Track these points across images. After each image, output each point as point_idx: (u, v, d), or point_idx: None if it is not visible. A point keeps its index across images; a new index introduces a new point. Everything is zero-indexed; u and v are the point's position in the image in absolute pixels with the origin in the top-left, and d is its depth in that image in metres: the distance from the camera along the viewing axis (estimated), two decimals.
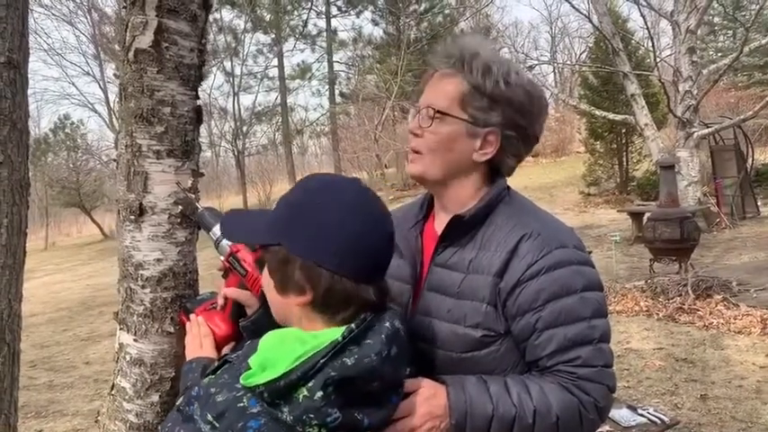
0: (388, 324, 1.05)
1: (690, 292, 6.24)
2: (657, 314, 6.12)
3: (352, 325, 1.00)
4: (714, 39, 26.24)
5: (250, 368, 0.97)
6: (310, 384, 0.93)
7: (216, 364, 1.10)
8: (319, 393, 0.92)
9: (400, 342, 1.06)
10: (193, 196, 1.46)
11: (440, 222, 1.34)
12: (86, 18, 28.75)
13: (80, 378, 6.34)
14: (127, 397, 1.47)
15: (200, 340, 1.34)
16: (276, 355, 0.97)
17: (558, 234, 1.24)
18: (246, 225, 1.15)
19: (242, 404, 0.95)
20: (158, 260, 1.44)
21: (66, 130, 28.09)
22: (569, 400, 1.17)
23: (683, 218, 7.10)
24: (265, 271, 1.12)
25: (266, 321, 1.20)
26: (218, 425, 0.94)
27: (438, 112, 1.26)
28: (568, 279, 1.19)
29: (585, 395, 1.18)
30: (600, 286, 1.25)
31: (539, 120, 1.30)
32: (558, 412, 1.16)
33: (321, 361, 0.94)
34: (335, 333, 0.98)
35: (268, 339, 1.02)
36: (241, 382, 0.96)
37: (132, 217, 1.43)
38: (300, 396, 0.93)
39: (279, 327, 1.13)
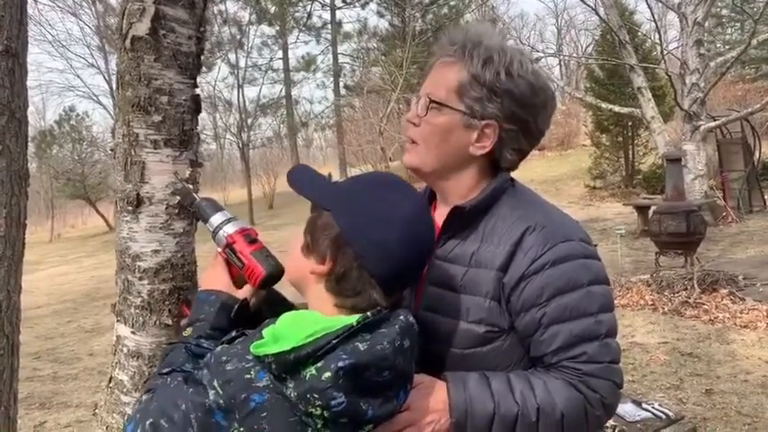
0: (402, 317, 1.05)
1: (695, 286, 6.21)
2: (663, 308, 6.09)
3: (368, 313, 1.00)
4: (722, 31, 26.08)
5: (263, 338, 0.97)
6: (319, 364, 0.92)
7: (232, 334, 1.08)
8: (327, 374, 0.91)
9: (413, 336, 1.05)
10: (191, 186, 1.44)
11: (441, 215, 1.31)
12: (91, 9, 28.84)
13: (84, 370, 6.36)
14: (125, 390, 1.46)
15: (222, 273, 1.30)
16: (290, 330, 0.97)
17: (563, 227, 1.21)
18: (313, 180, 1.14)
19: (249, 376, 0.93)
20: (156, 251, 1.42)
21: (72, 122, 28.13)
22: (575, 397, 1.14)
23: (689, 211, 7.05)
24: (300, 229, 1.12)
25: (247, 315, 1.23)
26: (221, 392, 0.93)
27: (434, 102, 1.23)
28: (574, 273, 1.16)
29: (592, 391, 1.15)
30: (606, 280, 1.21)
31: (543, 114, 1.25)
32: (562, 409, 1.13)
33: (333, 341, 0.93)
34: (351, 319, 0.98)
35: (286, 316, 1.02)
36: (251, 350, 0.95)
37: (130, 207, 1.41)
38: (308, 374, 0.92)
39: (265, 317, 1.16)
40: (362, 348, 0.95)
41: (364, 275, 1.03)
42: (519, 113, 1.21)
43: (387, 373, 0.97)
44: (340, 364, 0.91)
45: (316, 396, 0.91)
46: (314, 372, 0.92)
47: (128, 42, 1.38)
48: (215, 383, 0.94)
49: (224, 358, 0.97)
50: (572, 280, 1.15)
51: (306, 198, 1.12)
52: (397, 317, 1.04)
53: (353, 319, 0.98)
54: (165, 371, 1.11)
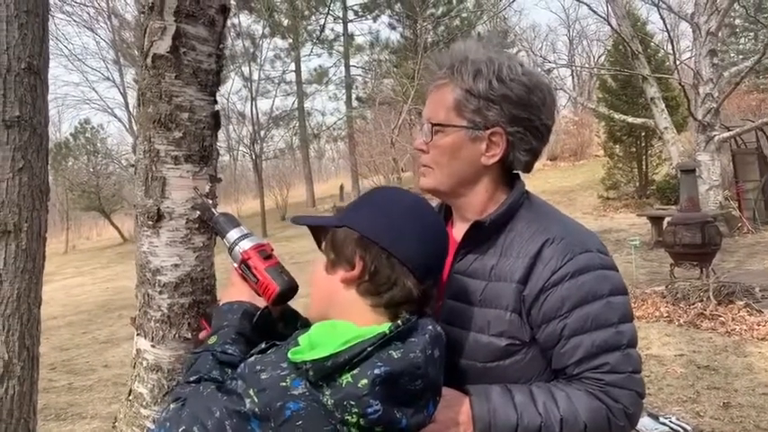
0: (431, 327, 1.07)
1: (711, 297, 6.15)
2: (678, 320, 6.03)
3: (399, 321, 1.02)
4: (735, 41, 25.96)
5: (298, 344, 0.98)
6: (355, 372, 0.93)
7: (262, 346, 1.09)
8: (363, 381, 0.92)
9: (441, 346, 1.07)
10: (210, 201, 1.46)
11: (458, 230, 1.33)
12: (106, 24, 29.16)
13: (99, 381, 6.39)
14: (144, 403, 1.47)
15: (243, 289, 1.32)
16: (326, 338, 0.99)
17: (581, 238, 1.22)
18: (318, 217, 1.20)
19: (284, 384, 0.94)
20: (176, 266, 1.43)
21: (87, 135, 28.40)
22: (597, 408, 1.15)
23: (704, 222, 7.01)
24: (317, 260, 1.16)
25: (270, 321, 1.27)
26: (257, 400, 0.93)
27: (436, 125, 1.26)
28: (594, 284, 1.17)
29: (614, 402, 1.16)
30: (625, 290, 1.22)
31: (544, 109, 1.26)
32: (585, 420, 1.14)
33: (368, 349, 0.95)
34: (382, 328, 1.00)
35: (319, 325, 1.04)
36: (288, 356, 0.96)
37: (150, 222, 1.42)
38: (344, 381, 0.93)
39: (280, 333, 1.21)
40: (396, 356, 0.96)
41: (395, 265, 1.06)
42: (520, 114, 1.23)
43: (419, 382, 0.98)
44: (376, 371, 0.93)
45: (352, 403, 0.92)
46: (350, 379, 0.93)
47: (149, 60, 1.40)
48: (250, 392, 0.94)
49: (258, 367, 0.98)
50: (592, 291, 1.16)
51: (318, 226, 1.17)
52: (426, 326, 1.06)
53: (386, 327, 1.00)
54: (192, 379, 1.11)
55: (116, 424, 1.56)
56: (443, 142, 1.26)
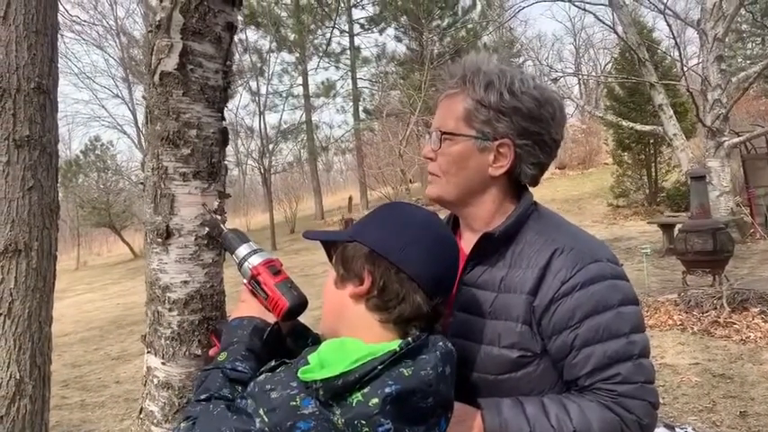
0: (441, 343, 1.06)
1: (725, 305, 6.08)
2: (692, 328, 5.97)
3: (409, 339, 1.01)
4: (743, 46, 25.87)
5: (308, 363, 0.98)
6: (365, 390, 0.93)
7: (272, 364, 1.09)
8: (374, 401, 0.92)
9: (452, 363, 1.06)
10: (219, 218, 1.46)
11: (466, 241, 1.32)
12: (115, 42, 29.54)
13: (111, 397, 6.39)
14: (155, 421, 1.46)
15: (253, 305, 1.32)
16: (335, 356, 0.98)
17: (590, 248, 1.22)
18: (327, 233, 1.22)
19: (294, 403, 0.94)
20: (185, 282, 1.43)
21: (97, 152, 28.60)
22: (610, 419, 1.14)
23: (715, 229, 6.95)
24: (329, 273, 1.16)
25: (280, 337, 1.26)
26: (267, 420, 0.93)
27: (445, 133, 1.26)
28: (605, 294, 1.16)
29: (627, 413, 1.14)
30: (636, 300, 1.22)
31: (554, 124, 1.27)
32: None
33: (379, 367, 0.94)
34: (392, 345, 1.00)
35: (328, 343, 1.04)
36: (299, 375, 0.96)
37: (159, 239, 1.42)
38: (354, 400, 0.93)
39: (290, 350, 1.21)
40: (407, 374, 0.96)
41: (404, 280, 1.05)
42: (530, 128, 1.23)
43: (430, 399, 0.98)
44: (387, 390, 0.92)
45: (363, 422, 0.91)
46: (360, 398, 0.92)
47: (156, 77, 1.41)
48: (260, 411, 0.94)
49: (268, 386, 0.98)
50: (602, 301, 1.16)
51: (328, 241, 1.18)
52: (436, 343, 1.05)
53: (395, 344, 0.99)
54: (203, 397, 1.11)
55: None
56: (451, 151, 1.26)
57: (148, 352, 1.49)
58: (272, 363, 1.09)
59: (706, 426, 3.86)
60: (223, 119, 1.49)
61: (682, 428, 2.78)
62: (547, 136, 1.26)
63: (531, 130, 1.23)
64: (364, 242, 1.09)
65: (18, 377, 1.96)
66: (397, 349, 0.97)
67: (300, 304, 1.28)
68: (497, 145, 1.24)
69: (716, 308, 6.14)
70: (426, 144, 1.32)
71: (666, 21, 12.04)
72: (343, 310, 1.10)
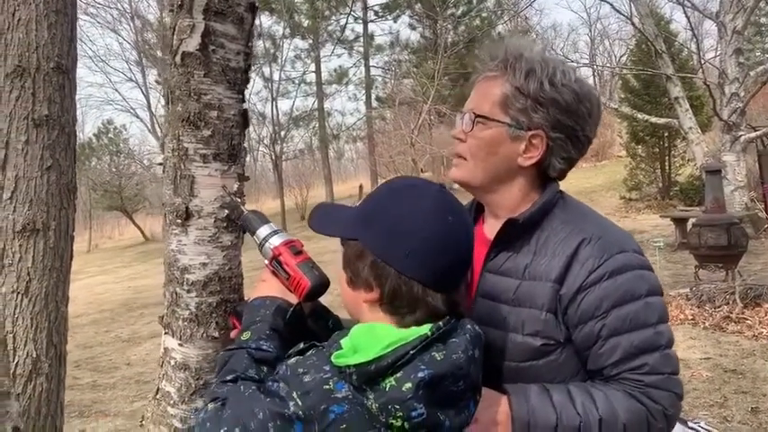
0: (469, 326, 1.05)
1: (738, 300, 6.04)
2: (704, 323, 5.94)
3: (440, 323, 1.00)
4: (761, 39, 25.55)
5: (341, 348, 0.98)
6: (398, 375, 0.93)
7: (301, 346, 1.08)
8: (408, 385, 0.92)
9: (481, 346, 1.05)
10: (239, 200, 1.45)
11: (489, 227, 1.31)
12: (129, 25, 29.54)
13: (122, 378, 6.45)
14: (171, 402, 1.46)
15: (274, 285, 1.30)
16: (367, 341, 0.98)
17: (617, 238, 1.21)
18: (331, 218, 1.17)
19: (328, 386, 0.93)
20: (204, 264, 1.43)
21: (110, 135, 28.76)
22: (637, 409, 1.13)
23: (729, 224, 6.88)
24: (340, 263, 1.13)
25: (301, 317, 1.25)
26: (301, 403, 0.93)
27: (479, 116, 1.24)
28: (632, 284, 1.15)
29: (653, 403, 1.14)
30: (661, 291, 1.21)
31: (589, 120, 1.25)
32: (625, 421, 1.12)
33: (411, 352, 0.94)
34: (423, 329, 0.99)
35: (359, 327, 1.04)
36: (332, 360, 0.95)
37: (178, 221, 1.42)
38: (387, 385, 0.92)
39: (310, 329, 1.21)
40: (439, 358, 0.95)
41: (414, 286, 1.03)
42: (565, 122, 1.21)
43: (461, 383, 0.98)
44: (420, 374, 0.92)
45: (397, 407, 0.91)
46: (393, 382, 0.92)
47: (178, 58, 1.40)
48: (294, 395, 0.94)
49: (300, 370, 0.97)
50: (630, 291, 1.15)
51: (332, 237, 1.13)
52: (465, 326, 1.05)
53: (426, 329, 0.98)
54: (229, 378, 1.09)
55: (143, 422, 1.56)
56: (483, 135, 1.24)
57: (166, 333, 1.49)
58: (301, 345, 1.08)
59: (717, 420, 3.84)
60: (243, 101, 1.47)
61: (694, 422, 2.76)
62: (581, 132, 1.24)
63: (566, 124, 1.22)
64: (367, 248, 1.05)
65: (35, 356, 1.97)
66: (429, 334, 0.97)
67: (322, 284, 1.27)
68: (530, 135, 1.22)
69: (728, 303, 6.10)
70: (457, 124, 1.30)
71: (684, 12, 11.94)
72: (361, 311, 1.09)
